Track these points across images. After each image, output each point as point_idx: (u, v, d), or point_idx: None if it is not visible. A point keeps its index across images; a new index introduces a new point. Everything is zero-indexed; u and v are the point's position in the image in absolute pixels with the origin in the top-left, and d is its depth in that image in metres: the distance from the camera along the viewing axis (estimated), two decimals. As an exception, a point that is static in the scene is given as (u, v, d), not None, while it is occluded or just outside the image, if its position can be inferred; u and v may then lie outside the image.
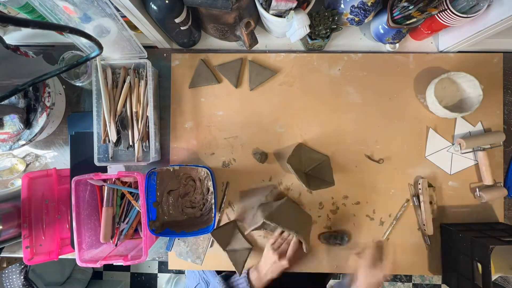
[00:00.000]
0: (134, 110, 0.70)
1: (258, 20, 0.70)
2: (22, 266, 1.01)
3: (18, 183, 0.77)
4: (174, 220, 0.71)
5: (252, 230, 0.65)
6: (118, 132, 0.69)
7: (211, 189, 0.71)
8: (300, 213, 0.70)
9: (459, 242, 0.66)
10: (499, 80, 0.74)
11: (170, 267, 0.75)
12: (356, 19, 0.65)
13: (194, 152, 0.75)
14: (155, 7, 0.55)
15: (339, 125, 0.74)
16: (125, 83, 0.70)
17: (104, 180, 0.71)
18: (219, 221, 0.75)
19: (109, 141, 0.70)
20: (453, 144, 0.73)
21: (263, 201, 0.74)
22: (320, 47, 0.74)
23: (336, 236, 0.72)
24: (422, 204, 0.71)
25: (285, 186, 0.74)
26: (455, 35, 0.69)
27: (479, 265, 0.60)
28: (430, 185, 0.73)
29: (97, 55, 0.42)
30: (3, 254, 0.76)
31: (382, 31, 0.69)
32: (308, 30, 0.61)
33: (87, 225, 0.69)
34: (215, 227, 0.67)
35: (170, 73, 0.75)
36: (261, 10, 0.60)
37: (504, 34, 0.63)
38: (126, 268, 1.58)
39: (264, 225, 0.65)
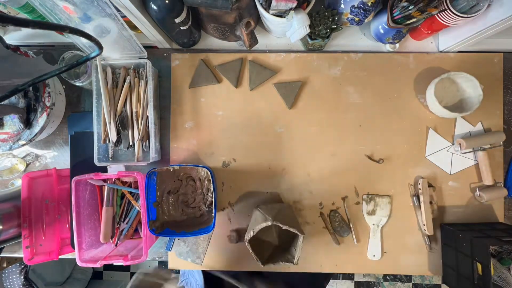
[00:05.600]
0: (134, 110, 0.70)
1: (258, 20, 0.70)
2: (22, 266, 1.01)
3: (18, 183, 0.77)
4: (174, 220, 0.71)
5: (257, 230, 0.62)
6: (118, 132, 0.69)
7: (211, 189, 0.71)
8: (296, 219, 0.69)
9: (459, 242, 0.66)
10: (499, 80, 0.74)
11: (170, 267, 0.75)
12: (356, 19, 0.65)
13: (194, 152, 0.75)
14: (155, 7, 0.55)
15: (339, 125, 0.74)
16: (125, 83, 0.70)
17: (104, 180, 0.71)
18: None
19: (109, 141, 0.70)
20: (453, 144, 0.73)
21: (262, 201, 0.74)
22: (320, 47, 0.74)
23: (341, 219, 0.72)
24: (422, 204, 0.71)
25: (284, 187, 0.74)
26: (455, 35, 0.69)
27: (479, 265, 0.60)
28: (430, 185, 0.73)
29: (97, 55, 0.42)
30: (3, 254, 0.76)
31: (382, 31, 0.69)
32: (308, 30, 0.61)
33: (87, 225, 0.69)
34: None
35: (170, 73, 0.75)
36: (261, 10, 0.60)
37: (504, 34, 0.63)
38: (126, 268, 1.58)
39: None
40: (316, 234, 0.74)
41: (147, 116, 0.70)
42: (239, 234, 0.73)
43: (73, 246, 0.70)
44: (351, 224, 0.73)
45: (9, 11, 0.65)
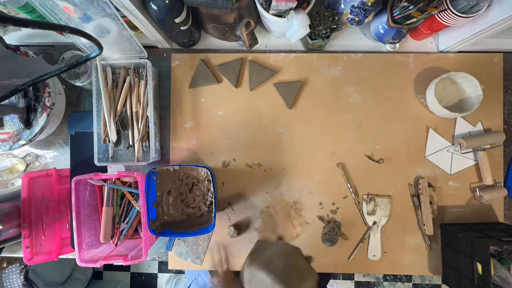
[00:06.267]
0: (134, 110, 0.70)
1: (258, 20, 0.70)
2: (22, 266, 1.01)
3: (18, 183, 0.77)
4: (174, 220, 0.71)
5: None
6: (118, 132, 0.69)
7: (211, 189, 0.71)
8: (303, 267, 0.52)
9: (459, 242, 0.66)
10: (499, 80, 0.74)
11: (170, 267, 0.75)
12: (356, 19, 0.65)
13: (194, 152, 0.75)
14: (155, 7, 0.55)
15: (339, 125, 0.74)
16: (125, 83, 0.70)
17: (104, 180, 0.71)
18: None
19: (109, 141, 0.70)
20: (453, 144, 0.73)
21: (263, 200, 0.74)
22: (320, 47, 0.74)
23: (333, 230, 0.72)
24: (422, 204, 0.71)
25: (285, 187, 0.74)
26: (455, 35, 0.69)
27: (479, 265, 0.60)
28: (430, 185, 0.73)
29: (97, 55, 0.42)
30: (3, 254, 0.76)
31: (382, 31, 0.69)
32: (308, 30, 0.61)
33: (87, 225, 0.69)
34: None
35: (170, 73, 0.75)
36: (261, 10, 0.60)
37: (504, 34, 0.63)
38: (126, 268, 1.58)
39: None
40: (317, 234, 0.74)
41: (147, 116, 0.70)
42: (238, 228, 0.73)
43: (73, 246, 0.70)
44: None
45: (9, 11, 0.65)
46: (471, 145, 0.71)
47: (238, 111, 0.75)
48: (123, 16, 0.58)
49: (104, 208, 0.70)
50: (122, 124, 0.70)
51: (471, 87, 0.69)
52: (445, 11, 0.59)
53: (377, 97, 0.74)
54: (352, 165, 0.74)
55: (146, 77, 0.70)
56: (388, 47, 0.74)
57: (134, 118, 0.70)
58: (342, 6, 0.64)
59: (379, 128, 0.74)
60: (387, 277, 1.53)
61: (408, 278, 1.52)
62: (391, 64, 0.74)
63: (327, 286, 0.89)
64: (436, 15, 0.61)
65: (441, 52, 0.75)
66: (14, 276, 1.00)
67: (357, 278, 1.54)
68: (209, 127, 0.75)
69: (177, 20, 0.60)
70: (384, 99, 0.74)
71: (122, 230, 0.73)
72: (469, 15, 0.58)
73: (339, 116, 0.74)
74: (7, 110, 0.65)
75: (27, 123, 0.67)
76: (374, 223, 0.73)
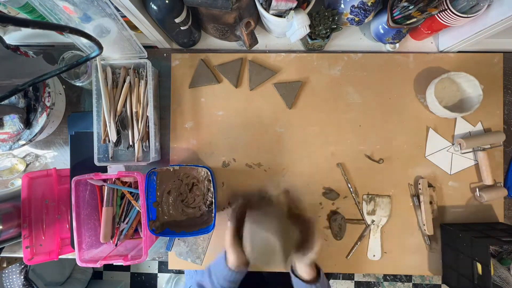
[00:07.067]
0: (134, 110, 0.70)
1: (258, 20, 0.70)
2: (22, 266, 1.01)
3: (18, 183, 0.77)
4: (174, 220, 0.71)
5: None
6: (118, 132, 0.69)
7: (211, 189, 0.71)
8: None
9: (459, 242, 0.66)
10: (499, 80, 0.74)
11: (170, 267, 0.75)
12: (356, 19, 0.65)
13: (194, 152, 0.75)
14: (155, 7, 0.55)
15: (339, 125, 0.74)
16: (125, 83, 0.70)
17: (104, 180, 0.71)
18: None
19: (109, 141, 0.70)
20: (453, 144, 0.73)
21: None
22: (320, 47, 0.74)
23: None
24: (422, 204, 0.71)
25: (285, 186, 0.74)
26: (455, 35, 0.69)
27: (479, 265, 0.60)
28: (430, 185, 0.73)
29: (97, 55, 0.42)
30: (3, 254, 0.76)
31: (382, 31, 0.69)
32: (308, 30, 0.61)
33: (87, 225, 0.69)
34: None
35: (170, 73, 0.75)
36: (261, 10, 0.60)
37: (504, 34, 0.63)
38: (126, 268, 1.58)
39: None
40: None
41: (147, 116, 0.70)
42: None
43: (73, 246, 0.70)
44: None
45: (9, 11, 0.65)
46: (471, 145, 0.71)
47: (238, 111, 0.75)
48: (123, 16, 0.57)
49: (104, 208, 0.70)
50: (122, 124, 0.70)
51: (471, 87, 0.69)
52: (445, 11, 0.59)
53: (377, 97, 0.74)
54: (352, 165, 0.74)
55: (146, 77, 0.70)
56: (388, 47, 0.74)
57: (134, 118, 0.70)
58: (342, 6, 0.64)
59: (379, 128, 0.74)
60: (387, 277, 1.53)
61: (408, 278, 1.52)
62: (391, 64, 0.74)
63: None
64: (436, 15, 0.61)
65: (441, 52, 0.75)
66: (14, 276, 1.00)
67: (357, 278, 1.54)
68: (209, 127, 0.75)
69: (177, 20, 0.60)
70: (384, 99, 0.74)
71: (122, 230, 0.73)
72: (469, 15, 0.58)
73: (339, 116, 0.74)
74: (7, 110, 0.65)
75: (27, 123, 0.67)
76: (374, 222, 0.73)
